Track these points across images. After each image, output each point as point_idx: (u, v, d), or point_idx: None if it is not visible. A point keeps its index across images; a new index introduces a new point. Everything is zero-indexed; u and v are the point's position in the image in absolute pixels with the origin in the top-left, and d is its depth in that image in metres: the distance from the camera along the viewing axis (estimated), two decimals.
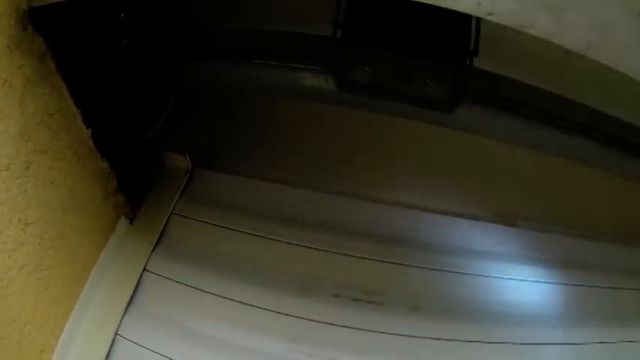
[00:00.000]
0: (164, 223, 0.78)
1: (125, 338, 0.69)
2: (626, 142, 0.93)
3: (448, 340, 0.72)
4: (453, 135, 0.89)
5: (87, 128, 0.67)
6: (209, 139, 0.90)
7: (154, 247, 0.76)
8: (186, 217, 0.80)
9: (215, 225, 0.79)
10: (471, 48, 0.73)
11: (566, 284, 0.94)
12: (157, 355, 0.67)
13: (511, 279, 0.81)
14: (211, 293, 0.73)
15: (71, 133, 0.64)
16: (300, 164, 0.88)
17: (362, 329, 0.70)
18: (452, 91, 0.74)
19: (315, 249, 0.76)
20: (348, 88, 0.74)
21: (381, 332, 0.70)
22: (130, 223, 0.78)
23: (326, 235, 0.77)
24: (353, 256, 0.75)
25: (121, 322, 0.69)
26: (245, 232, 0.78)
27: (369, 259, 0.75)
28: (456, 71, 0.73)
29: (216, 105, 0.92)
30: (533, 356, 0.73)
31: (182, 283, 0.74)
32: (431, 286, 0.75)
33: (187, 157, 0.83)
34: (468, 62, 0.73)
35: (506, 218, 0.88)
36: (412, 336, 0.70)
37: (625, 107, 0.95)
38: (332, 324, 0.70)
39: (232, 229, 0.78)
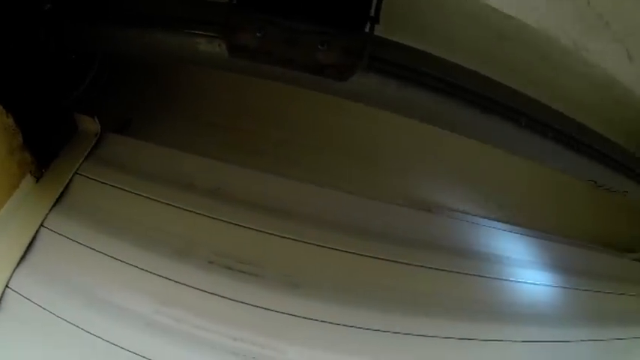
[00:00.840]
0: (66, 182, 0.81)
1: (14, 291, 0.73)
2: (556, 131, 0.85)
3: (325, 322, 0.69)
4: (358, 110, 0.85)
5: None
6: (126, 106, 0.92)
7: (54, 205, 0.80)
8: (88, 177, 0.83)
9: (113, 186, 0.81)
10: (372, 14, 0.69)
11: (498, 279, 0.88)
12: (39, 307, 0.71)
13: (402, 262, 0.76)
14: (98, 251, 0.75)
15: None
16: (210, 134, 0.88)
17: (231, 299, 0.69)
18: (345, 57, 0.70)
19: (200, 214, 0.76)
20: (239, 53, 0.73)
21: (251, 304, 0.69)
22: (37, 182, 0.82)
23: (214, 201, 0.77)
24: (235, 224, 0.75)
25: (12, 275, 0.73)
26: (139, 195, 0.79)
27: (250, 228, 0.74)
28: (350, 37, 0.69)
29: (138, 72, 0.94)
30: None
31: (74, 241, 0.77)
32: (312, 264, 0.72)
33: (96, 120, 0.86)
34: (367, 29, 0.69)
35: (417, 203, 0.83)
36: (284, 312, 0.69)
37: (558, 98, 0.86)
38: (203, 290, 0.70)
39: (128, 191, 0.80)
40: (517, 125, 0.80)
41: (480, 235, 0.87)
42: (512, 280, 0.94)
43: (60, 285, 0.73)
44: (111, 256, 0.74)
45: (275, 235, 0.74)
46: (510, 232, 0.97)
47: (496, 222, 0.94)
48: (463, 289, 0.80)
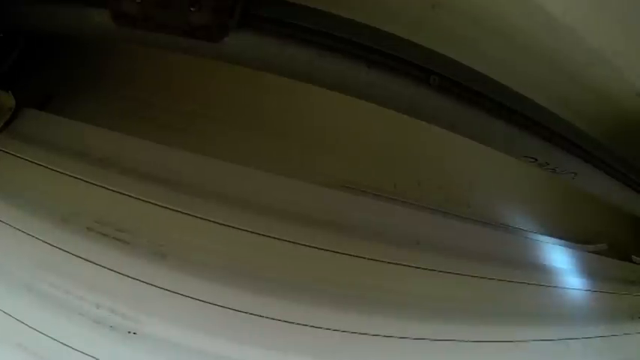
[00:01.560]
0: None
1: None
2: (481, 95, 0.76)
3: (187, 296, 0.67)
4: (273, 84, 0.82)
5: None
6: (48, 82, 0.96)
7: None
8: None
9: (14, 156, 0.84)
10: None
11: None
12: None
13: (284, 240, 0.72)
14: None
15: None
16: (124, 108, 0.88)
17: (100, 266, 0.69)
18: (215, 17, 0.67)
19: (88, 182, 0.76)
20: (121, 20, 0.72)
21: (118, 272, 0.69)
22: None
23: (103, 170, 0.77)
24: (119, 192, 0.74)
25: None
26: (36, 164, 0.81)
27: (133, 197, 0.73)
28: None
29: (61, 49, 0.97)
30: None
31: None
32: (184, 235, 0.70)
33: (11, 95, 0.89)
34: None
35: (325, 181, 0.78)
36: (148, 283, 0.67)
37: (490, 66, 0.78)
38: (76, 256, 0.71)
39: (26, 160, 0.82)
40: (425, 85, 0.73)
41: (391, 214, 0.80)
42: (457, 274, 0.87)
43: None
44: (5, 222, 0.77)
45: (154, 204, 0.73)
46: (433, 214, 0.89)
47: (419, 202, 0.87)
48: (340, 269, 0.74)
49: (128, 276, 0.68)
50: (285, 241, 0.74)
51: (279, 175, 0.76)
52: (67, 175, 0.79)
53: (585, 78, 1.05)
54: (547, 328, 1.11)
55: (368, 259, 0.75)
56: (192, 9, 0.68)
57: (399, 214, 0.79)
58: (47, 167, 0.81)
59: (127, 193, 0.74)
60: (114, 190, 0.75)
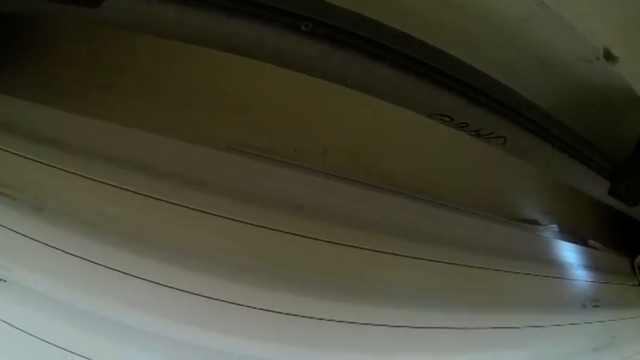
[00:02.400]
0: None
1: None
2: (380, 46, 0.74)
3: (62, 250, 0.70)
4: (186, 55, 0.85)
5: None
6: None
7: None
8: None
9: None
10: None
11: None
12: None
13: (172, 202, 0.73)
14: None
15: None
16: (38, 80, 0.93)
17: None
18: None
19: None
20: None
21: (4, 227, 0.73)
22: None
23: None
24: (13, 153, 0.79)
25: None
26: None
27: (23, 157, 0.78)
28: None
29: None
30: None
31: None
32: (62, 190, 0.74)
33: None
34: None
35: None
36: (24, 235, 0.71)
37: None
38: None
39: None
40: (297, 32, 0.71)
41: (272, 177, 0.80)
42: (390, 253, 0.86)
43: None
44: None
45: (36, 161, 0.76)
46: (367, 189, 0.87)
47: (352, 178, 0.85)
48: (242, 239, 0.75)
49: (6, 227, 0.72)
50: (167, 202, 0.76)
51: (163, 136, 0.79)
52: None
53: (522, 37, 0.99)
54: (497, 316, 1.07)
55: (245, 222, 0.76)
56: None
57: (281, 177, 0.79)
58: None
59: (14, 152, 0.78)
60: (9, 152, 0.80)
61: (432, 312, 0.96)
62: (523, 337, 1.09)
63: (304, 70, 0.73)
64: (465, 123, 0.87)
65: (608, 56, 1.01)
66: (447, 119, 0.85)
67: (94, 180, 0.74)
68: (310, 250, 0.76)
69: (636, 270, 1.32)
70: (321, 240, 0.76)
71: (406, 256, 0.82)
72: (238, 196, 0.76)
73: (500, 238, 1.12)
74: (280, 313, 0.73)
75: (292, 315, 0.73)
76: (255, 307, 0.72)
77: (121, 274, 0.69)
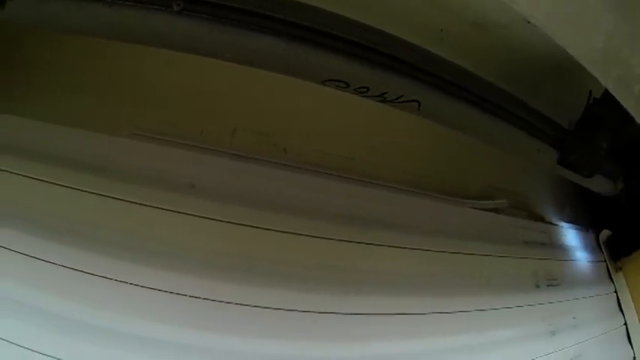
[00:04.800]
0: None
1: None
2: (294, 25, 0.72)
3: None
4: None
5: None
6: None
7: None
8: None
9: None
10: None
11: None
12: None
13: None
14: None
15: None
16: None
17: None
18: None
19: None
20: None
21: None
22: None
23: None
24: None
25: None
26: None
27: None
28: None
29: None
30: None
31: None
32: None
33: None
34: None
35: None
36: None
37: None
38: None
39: None
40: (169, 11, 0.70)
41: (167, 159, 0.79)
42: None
43: None
44: None
45: None
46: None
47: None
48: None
49: None
50: (73, 189, 0.75)
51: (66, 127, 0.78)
52: None
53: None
54: (450, 300, 1.05)
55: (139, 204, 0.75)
56: None
57: (175, 158, 0.78)
58: None
59: None
60: None
61: (389, 297, 0.95)
62: (475, 320, 1.06)
63: (184, 49, 0.72)
64: (365, 87, 0.82)
65: None
66: (342, 85, 0.81)
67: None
68: (201, 227, 0.75)
69: (601, 245, 1.28)
70: (212, 219, 0.75)
71: (305, 235, 0.80)
72: (137, 179, 0.75)
73: (452, 219, 1.09)
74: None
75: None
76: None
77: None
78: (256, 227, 0.75)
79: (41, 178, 0.77)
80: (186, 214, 0.75)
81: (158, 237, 0.75)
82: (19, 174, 0.77)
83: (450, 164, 1.12)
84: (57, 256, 0.71)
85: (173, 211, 0.75)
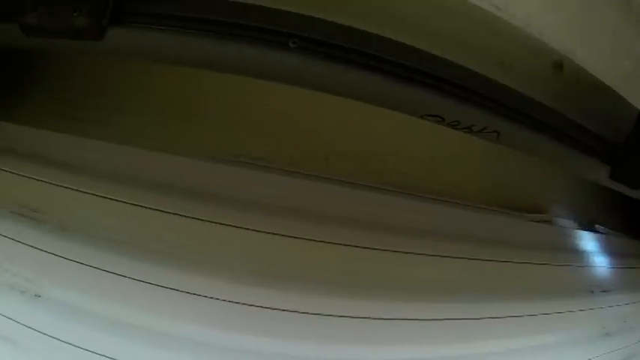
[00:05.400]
0: None
1: None
2: (364, 54, 0.84)
3: (85, 264, 0.82)
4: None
5: None
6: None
7: None
8: None
9: None
10: None
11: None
12: None
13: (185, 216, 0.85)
14: None
15: None
16: (40, 105, 1.06)
17: (17, 241, 0.86)
18: (92, 19, 0.82)
19: (5, 171, 0.94)
20: (29, 32, 0.90)
21: (30, 245, 0.85)
22: None
23: (18, 161, 0.94)
24: (31, 178, 0.91)
25: None
26: None
27: (42, 181, 0.90)
28: None
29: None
30: None
31: None
32: (83, 210, 0.86)
33: None
34: None
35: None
36: (52, 253, 0.83)
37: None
38: (3, 235, 0.88)
39: None
40: (286, 49, 0.82)
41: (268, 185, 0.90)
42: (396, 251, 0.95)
43: None
44: None
45: (59, 185, 0.88)
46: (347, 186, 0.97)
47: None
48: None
49: (36, 247, 0.84)
50: (180, 215, 0.87)
51: (166, 153, 0.90)
52: None
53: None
54: (506, 305, 1.16)
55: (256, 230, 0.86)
56: (75, 14, 0.84)
57: (275, 184, 0.89)
58: None
59: (39, 179, 0.91)
60: (30, 177, 0.92)
61: (446, 304, 1.05)
62: (532, 325, 1.17)
63: (295, 83, 0.84)
64: (457, 121, 0.96)
65: None
66: (439, 119, 0.95)
67: (111, 199, 0.86)
68: (315, 251, 0.87)
69: None
70: (326, 242, 0.87)
71: (413, 253, 0.92)
72: (241, 205, 0.87)
73: (507, 230, 1.20)
74: (295, 312, 0.83)
75: (305, 313, 0.84)
76: (270, 308, 0.83)
77: (136, 281, 0.81)
78: (363, 247, 0.87)
79: (138, 204, 0.87)
80: (293, 237, 0.86)
81: (259, 258, 0.86)
82: (120, 201, 0.87)
83: (507, 179, 1.22)
84: (163, 279, 0.81)
85: (277, 234, 0.87)
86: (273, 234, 0.85)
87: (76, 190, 0.87)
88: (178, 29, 0.81)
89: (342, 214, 0.89)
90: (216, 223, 0.84)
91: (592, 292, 1.21)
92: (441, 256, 1.07)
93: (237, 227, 0.84)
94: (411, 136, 1.06)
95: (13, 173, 0.94)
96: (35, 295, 0.81)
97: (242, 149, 0.94)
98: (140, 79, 1.05)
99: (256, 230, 0.86)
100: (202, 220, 0.84)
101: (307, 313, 0.85)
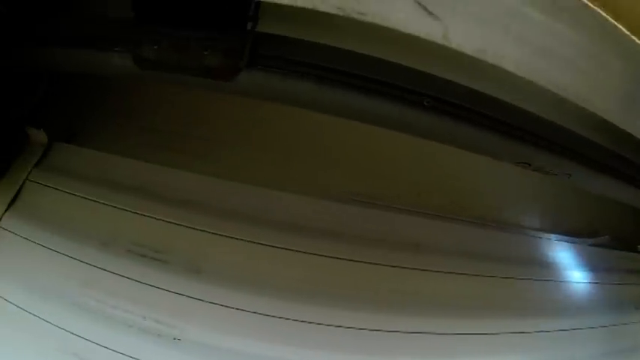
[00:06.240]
0: (18, 188, 1.02)
1: None
2: (472, 112, 0.91)
3: (224, 306, 0.83)
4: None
5: None
6: (73, 117, 1.12)
7: (7, 208, 1.01)
8: (37, 183, 1.03)
9: (54, 189, 1.01)
10: (251, 14, 0.83)
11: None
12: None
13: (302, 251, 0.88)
14: (38, 244, 0.95)
15: None
16: (141, 137, 1.05)
17: (142, 282, 0.86)
18: (227, 59, 0.83)
19: (122, 209, 0.93)
20: (144, 65, 0.89)
21: (160, 288, 0.85)
22: None
23: (135, 198, 0.94)
24: (151, 217, 0.91)
25: None
26: (74, 195, 0.98)
27: (164, 221, 0.90)
28: (230, 38, 0.82)
29: (83, 86, 1.14)
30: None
31: (21, 236, 0.97)
32: (213, 252, 0.87)
33: (43, 132, 1.06)
34: (247, 28, 0.83)
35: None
36: (187, 296, 0.84)
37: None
38: (119, 275, 0.87)
39: (65, 192, 0.99)
40: (418, 107, 0.88)
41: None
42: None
43: (9, 273, 0.93)
44: (51, 249, 0.94)
45: (184, 226, 0.89)
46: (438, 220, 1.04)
47: (423, 209, 1.02)
48: (367, 278, 0.90)
49: (169, 290, 0.84)
50: (302, 252, 0.90)
51: (294, 194, 0.93)
52: (102, 203, 0.96)
53: None
54: (553, 320, 1.27)
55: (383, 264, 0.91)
56: (205, 52, 0.84)
57: (399, 221, 0.95)
58: (84, 197, 0.98)
59: (159, 218, 0.91)
60: (147, 216, 0.91)
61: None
62: (580, 339, 1.30)
63: (426, 136, 0.90)
64: (542, 166, 1.07)
65: None
66: (526, 165, 1.06)
67: (241, 240, 0.88)
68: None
69: None
70: (440, 271, 0.94)
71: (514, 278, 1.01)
72: (369, 242, 0.92)
73: (559, 254, 1.33)
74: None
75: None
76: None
77: (277, 319, 0.83)
78: (488, 276, 0.95)
79: (271, 244, 0.90)
80: (415, 269, 0.92)
81: (376, 289, 0.92)
82: (251, 241, 0.90)
83: (558, 205, 1.36)
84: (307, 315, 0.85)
85: (401, 267, 0.93)
86: (401, 267, 0.91)
87: (204, 230, 0.88)
88: (312, 77, 0.83)
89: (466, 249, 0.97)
90: (353, 261, 0.88)
91: (637, 307, 1.36)
92: (524, 279, 1.18)
93: (372, 264, 0.89)
94: (495, 175, 1.17)
95: (126, 210, 0.93)
96: (174, 339, 0.81)
97: (358, 188, 0.99)
98: (240, 109, 1.07)
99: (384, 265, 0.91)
100: (338, 258, 0.89)
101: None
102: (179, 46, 0.85)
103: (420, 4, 0.46)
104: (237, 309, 0.83)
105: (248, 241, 0.88)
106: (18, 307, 0.89)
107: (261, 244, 0.88)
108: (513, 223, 1.21)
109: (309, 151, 1.03)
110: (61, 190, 1.01)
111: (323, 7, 0.46)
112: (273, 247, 0.88)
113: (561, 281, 1.32)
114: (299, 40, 0.86)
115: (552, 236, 1.33)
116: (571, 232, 1.34)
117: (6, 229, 0.99)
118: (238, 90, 0.88)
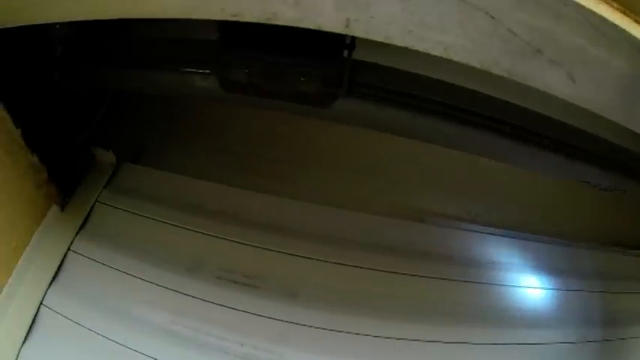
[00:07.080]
0: (88, 210, 1.01)
1: (48, 307, 0.92)
2: (543, 136, 0.96)
3: (319, 328, 0.85)
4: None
5: (17, 128, 0.91)
6: (139, 137, 1.12)
7: (79, 231, 0.99)
8: (108, 205, 1.02)
9: (129, 212, 1.00)
10: (347, 42, 0.85)
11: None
12: (70, 322, 0.90)
13: (393, 272, 0.91)
14: (119, 270, 0.94)
15: (2, 132, 0.88)
16: (213, 158, 1.05)
17: (236, 309, 0.86)
18: (325, 86, 0.85)
19: (207, 234, 0.93)
20: (231, 88, 0.90)
21: (256, 314, 0.86)
22: (62, 211, 1.02)
23: (220, 222, 0.94)
24: (238, 242, 0.92)
25: (45, 293, 0.93)
26: (153, 219, 0.98)
27: (252, 246, 0.91)
28: (327, 66, 0.84)
29: (148, 106, 1.13)
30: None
31: (98, 262, 0.96)
32: (308, 275, 0.88)
33: (112, 153, 1.05)
34: (344, 56, 0.85)
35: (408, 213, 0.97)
36: (285, 321, 0.85)
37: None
38: (211, 302, 0.88)
39: (143, 216, 0.99)
40: (501, 135, 0.93)
41: (473, 242, 1.00)
42: (508, 285, 1.07)
43: (88, 301, 0.92)
44: (130, 274, 0.93)
45: (274, 250, 0.90)
46: (506, 237, 1.09)
47: (491, 228, 1.06)
48: (457, 295, 0.94)
49: (265, 316, 0.85)
50: (388, 272, 0.93)
51: (372, 214, 0.96)
52: (183, 228, 0.96)
53: None
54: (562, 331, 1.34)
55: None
56: (302, 79, 0.86)
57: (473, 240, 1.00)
58: (160, 220, 0.97)
59: (247, 243, 0.92)
60: (234, 241, 0.92)
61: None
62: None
63: (507, 162, 0.95)
64: (599, 184, 1.14)
65: None
66: (586, 183, 1.12)
67: (333, 263, 0.89)
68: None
69: None
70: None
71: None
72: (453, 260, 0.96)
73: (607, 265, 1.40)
74: None
75: None
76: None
77: (385, 339, 0.86)
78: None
79: (363, 266, 0.93)
80: (490, 283, 0.97)
81: (453, 301, 0.95)
82: (342, 264, 0.93)
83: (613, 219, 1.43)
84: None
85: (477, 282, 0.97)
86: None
87: (296, 255, 0.90)
88: (408, 106, 0.86)
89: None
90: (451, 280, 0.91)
91: None
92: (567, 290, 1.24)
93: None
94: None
95: (211, 235, 0.94)
96: None
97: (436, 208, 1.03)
98: (332, 137, 1.08)
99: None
100: (410, 274, 0.92)
101: None
102: (272, 70, 0.86)
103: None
104: (337, 331, 0.85)
105: (342, 264, 0.90)
106: (97, 333, 0.88)
107: (354, 266, 0.90)
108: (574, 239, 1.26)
109: (381, 170, 1.05)
110: (134, 213, 1.00)
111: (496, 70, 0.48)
112: (369, 269, 0.90)
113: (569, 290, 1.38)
114: (393, 68, 0.89)
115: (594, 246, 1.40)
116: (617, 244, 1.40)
117: (78, 253, 0.97)
118: (333, 116, 0.91)
